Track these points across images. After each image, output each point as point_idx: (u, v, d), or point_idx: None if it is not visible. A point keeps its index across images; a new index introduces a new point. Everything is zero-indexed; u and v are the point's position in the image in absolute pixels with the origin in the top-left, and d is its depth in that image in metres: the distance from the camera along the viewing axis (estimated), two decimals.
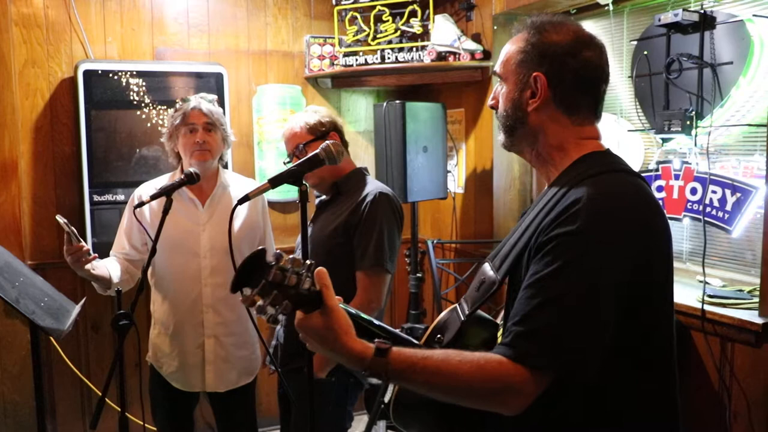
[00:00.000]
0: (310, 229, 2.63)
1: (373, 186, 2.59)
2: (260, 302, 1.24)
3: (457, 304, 1.62)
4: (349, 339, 1.32)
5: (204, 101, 2.69)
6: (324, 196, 2.70)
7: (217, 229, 2.71)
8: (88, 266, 2.50)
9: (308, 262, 1.30)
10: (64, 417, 3.78)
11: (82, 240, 2.46)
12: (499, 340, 1.49)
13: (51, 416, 3.69)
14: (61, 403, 3.76)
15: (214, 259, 2.69)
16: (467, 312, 1.54)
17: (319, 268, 1.33)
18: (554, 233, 1.33)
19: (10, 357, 3.61)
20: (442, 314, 1.62)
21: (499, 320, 1.65)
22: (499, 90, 1.56)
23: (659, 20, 2.68)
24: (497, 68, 1.56)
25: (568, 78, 1.46)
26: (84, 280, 3.69)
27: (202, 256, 2.69)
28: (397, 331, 1.55)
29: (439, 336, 1.56)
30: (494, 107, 1.59)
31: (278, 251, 1.28)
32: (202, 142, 2.63)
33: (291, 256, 1.29)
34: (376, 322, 1.49)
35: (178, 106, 2.71)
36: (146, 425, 2.88)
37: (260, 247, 1.28)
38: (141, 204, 2.46)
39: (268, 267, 1.25)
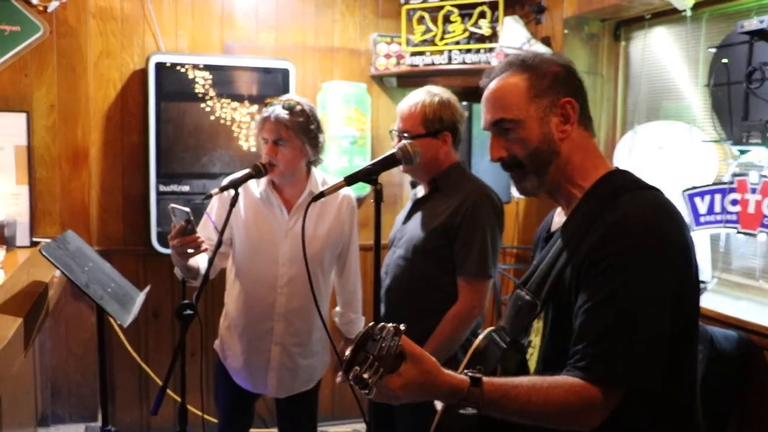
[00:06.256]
0: (404, 226, 2.58)
1: (474, 185, 2.49)
2: (365, 375, 1.25)
3: (491, 332, 1.64)
4: (444, 375, 1.33)
5: (281, 110, 2.52)
6: (419, 192, 2.61)
7: (299, 238, 2.54)
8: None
9: (402, 327, 1.30)
10: (123, 400, 3.87)
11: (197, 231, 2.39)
12: (531, 359, 1.57)
13: (110, 399, 3.78)
14: (120, 387, 3.85)
15: (292, 269, 2.62)
16: (509, 340, 1.57)
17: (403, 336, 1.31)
18: (606, 252, 1.37)
19: (75, 338, 3.72)
20: (478, 341, 1.65)
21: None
22: (510, 136, 1.52)
23: (742, 27, 2.58)
24: (498, 115, 1.52)
25: (580, 97, 1.53)
26: (147, 267, 3.79)
27: (281, 264, 2.63)
28: None
29: (479, 367, 1.57)
30: (505, 158, 1.54)
31: (373, 324, 1.29)
32: (268, 159, 2.54)
33: (390, 326, 1.28)
34: None
35: (262, 109, 2.60)
36: (205, 416, 2.91)
37: (370, 324, 1.29)
38: (209, 196, 2.48)
39: (372, 341, 1.27)
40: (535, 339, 1.56)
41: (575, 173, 1.53)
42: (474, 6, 3.77)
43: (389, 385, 1.28)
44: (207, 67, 3.68)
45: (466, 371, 1.34)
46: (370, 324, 1.30)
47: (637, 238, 1.36)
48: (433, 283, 2.47)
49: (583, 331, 1.37)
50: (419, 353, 1.31)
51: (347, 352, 1.27)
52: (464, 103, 3.43)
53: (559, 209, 1.65)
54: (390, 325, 1.28)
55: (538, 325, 1.55)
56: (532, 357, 1.57)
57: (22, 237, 3.34)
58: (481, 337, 1.65)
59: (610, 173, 1.53)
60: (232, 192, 2.41)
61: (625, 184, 1.49)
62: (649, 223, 1.38)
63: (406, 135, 2.44)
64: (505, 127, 1.51)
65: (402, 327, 1.28)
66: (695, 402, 1.49)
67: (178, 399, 2.55)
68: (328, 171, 3.89)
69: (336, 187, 1.71)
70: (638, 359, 1.33)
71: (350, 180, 1.71)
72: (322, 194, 1.69)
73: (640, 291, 1.34)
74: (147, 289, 2.74)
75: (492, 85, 1.56)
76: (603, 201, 1.45)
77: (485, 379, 1.32)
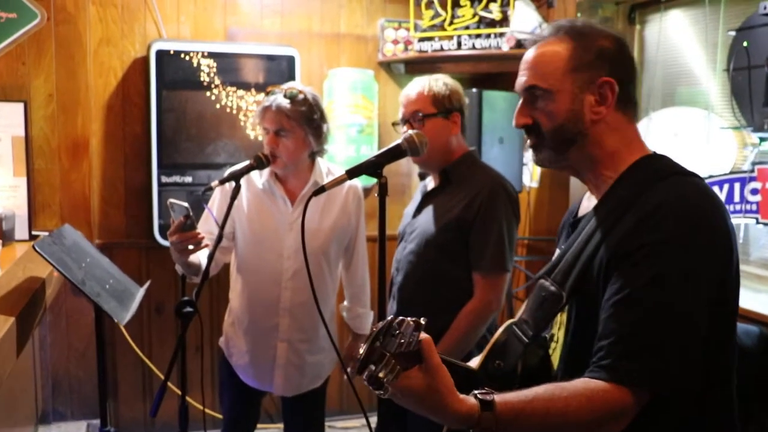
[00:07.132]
0: (415, 220, 2.50)
1: (488, 176, 2.41)
2: (380, 374, 1.13)
3: (512, 324, 1.55)
4: (455, 399, 1.19)
5: (283, 99, 2.44)
6: (429, 184, 2.53)
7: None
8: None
9: (422, 321, 1.18)
10: (126, 396, 3.80)
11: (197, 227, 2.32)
12: (554, 355, 1.47)
13: (113, 395, 3.73)
14: (123, 383, 3.79)
15: (297, 262, 2.54)
16: (531, 334, 1.47)
17: (426, 337, 1.19)
18: (642, 241, 1.26)
19: (76, 334, 3.65)
20: (498, 334, 1.55)
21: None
22: (539, 105, 1.42)
23: (765, 8, 2.49)
24: (532, 81, 1.43)
25: (625, 80, 1.42)
26: (150, 261, 3.72)
27: (286, 257, 2.55)
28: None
29: (498, 362, 1.49)
30: (528, 125, 1.45)
31: (392, 318, 1.18)
32: (269, 150, 2.46)
33: (410, 320, 1.16)
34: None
35: (263, 98, 2.52)
36: (206, 410, 2.84)
37: (388, 319, 1.18)
38: (209, 189, 2.39)
39: (390, 336, 1.15)
40: (558, 332, 1.46)
41: (606, 157, 1.42)
42: None
43: (396, 383, 1.16)
44: (210, 55, 3.59)
45: (475, 392, 1.21)
46: (389, 318, 1.18)
47: (675, 228, 1.25)
48: (447, 278, 2.39)
49: (609, 325, 1.26)
50: (436, 366, 1.18)
51: (361, 350, 1.16)
52: (474, 89, 3.35)
53: (588, 193, 1.55)
54: (410, 318, 1.17)
55: (561, 317, 1.45)
56: (555, 352, 1.47)
57: (21, 230, 3.27)
58: (500, 330, 1.56)
59: (646, 157, 1.42)
60: (233, 184, 2.33)
61: (663, 169, 1.38)
62: (689, 211, 1.27)
63: (418, 114, 2.37)
64: (536, 95, 1.42)
65: (422, 321, 1.17)
66: (732, 404, 1.37)
67: (180, 393, 2.48)
68: (334, 160, 3.80)
69: (337, 181, 1.62)
70: (670, 359, 1.22)
71: (352, 173, 1.62)
72: (323, 188, 1.60)
73: (676, 285, 1.23)
74: (147, 284, 2.66)
75: (534, 48, 1.46)
76: (638, 186, 1.34)
77: (497, 399, 1.20)
